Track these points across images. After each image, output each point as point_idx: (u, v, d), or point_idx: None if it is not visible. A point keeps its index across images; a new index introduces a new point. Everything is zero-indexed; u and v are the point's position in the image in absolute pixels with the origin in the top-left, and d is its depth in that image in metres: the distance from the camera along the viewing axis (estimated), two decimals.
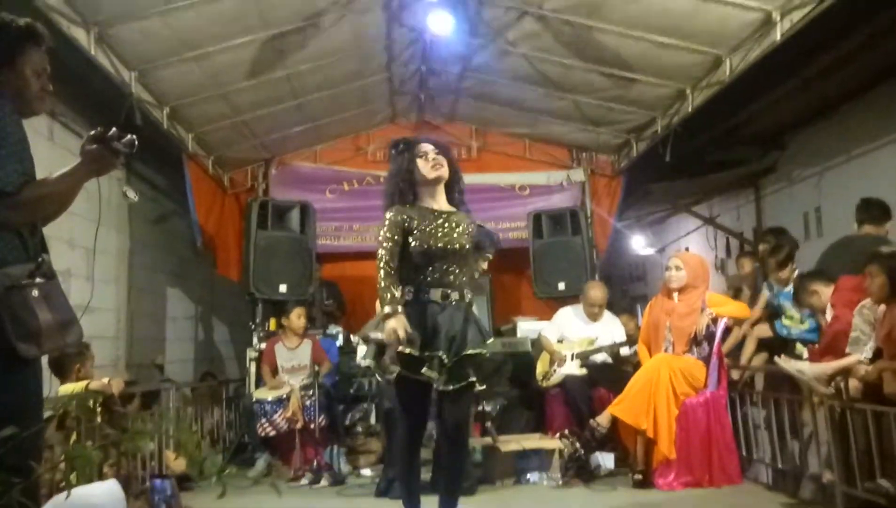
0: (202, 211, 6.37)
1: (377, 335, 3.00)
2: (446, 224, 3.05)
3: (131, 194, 5.87)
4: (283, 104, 5.97)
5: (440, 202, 3.13)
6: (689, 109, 5.54)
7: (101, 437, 2.90)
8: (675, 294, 4.48)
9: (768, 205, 7.83)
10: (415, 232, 3.00)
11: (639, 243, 9.82)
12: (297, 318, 5.57)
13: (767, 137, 7.19)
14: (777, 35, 4.25)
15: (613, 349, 5.27)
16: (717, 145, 7.12)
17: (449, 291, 3.01)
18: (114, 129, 2.11)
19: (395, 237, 3.01)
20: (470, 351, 2.94)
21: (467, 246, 3.07)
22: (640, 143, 6.74)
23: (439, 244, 3.00)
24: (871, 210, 4.48)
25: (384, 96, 6.76)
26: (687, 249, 8.65)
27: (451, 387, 2.91)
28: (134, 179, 6.44)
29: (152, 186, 6.87)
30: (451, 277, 3.03)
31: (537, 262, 6.50)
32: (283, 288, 6.03)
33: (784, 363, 3.53)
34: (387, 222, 3.06)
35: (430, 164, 3.07)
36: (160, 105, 5.34)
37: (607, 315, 5.51)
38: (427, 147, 3.12)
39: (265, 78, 5.35)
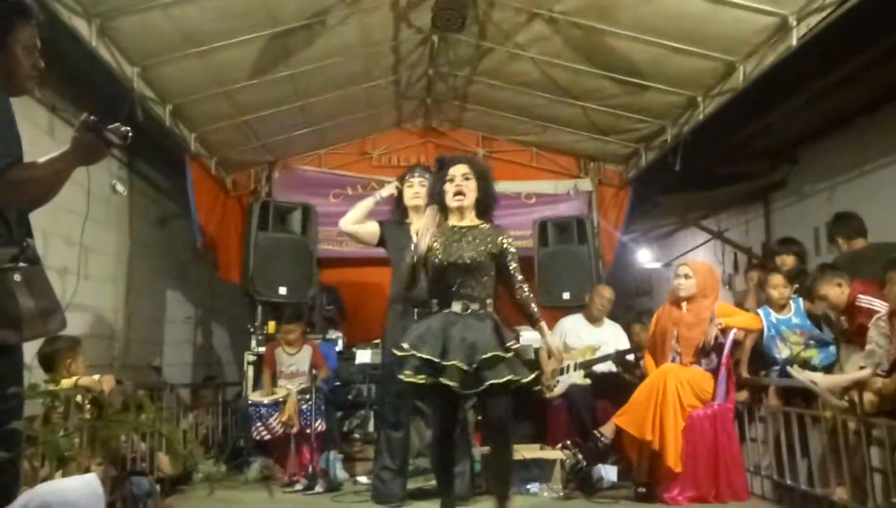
0: (203, 212, 6.28)
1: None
2: (464, 240, 3.34)
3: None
4: (288, 105, 5.90)
5: (467, 218, 3.44)
6: (701, 118, 5.44)
7: (79, 425, 2.80)
8: (684, 304, 4.37)
9: (778, 220, 7.72)
10: (437, 248, 3.33)
11: (645, 257, 9.71)
12: (289, 333, 5.48)
13: (779, 150, 7.09)
14: (793, 40, 4.16)
15: (619, 357, 5.15)
16: (726, 159, 7.04)
17: (468, 302, 3.29)
18: (118, 124, 2.06)
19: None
20: (487, 355, 3.14)
21: (481, 260, 3.30)
22: (648, 152, 6.65)
23: (457, 261, 3.29)
24: (850, 224, 4.54)
25: (390, 100, 6.69)
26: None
27: (470, 391, 3.17)
28: (136, 178, 6.38)
29: (154, 187, 6.80)
30: (471, 289, 3.30)
31: (542, 270, 6.39)
32: (282, 290, 5.93)
33: (797, 373, 3.41)
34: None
35: (452, 191, 3.39)
36: (163, 102, 5.27)
37: (609, 322, 5.41)
38: (455, 172, 3.43)
39: (269, 77, 5.28)
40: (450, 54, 5.75)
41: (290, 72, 5.33)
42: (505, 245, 3.37)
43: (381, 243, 4.36)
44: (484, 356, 3.15)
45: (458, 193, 3.37)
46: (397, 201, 4.39)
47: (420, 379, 3.18)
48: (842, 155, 6.40)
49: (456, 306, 3.28)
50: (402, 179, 4.48)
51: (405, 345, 3.27)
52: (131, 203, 6.28)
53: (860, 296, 3.80)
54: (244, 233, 6.25)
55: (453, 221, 3.42)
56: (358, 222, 4.33)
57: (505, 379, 3.14)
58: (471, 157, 3.98)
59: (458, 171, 3.43)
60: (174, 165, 6.22)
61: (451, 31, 4.97)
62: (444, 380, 3.12)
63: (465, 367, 3.13)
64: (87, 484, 1.83)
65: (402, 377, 3.25)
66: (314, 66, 5.33)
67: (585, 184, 7.32)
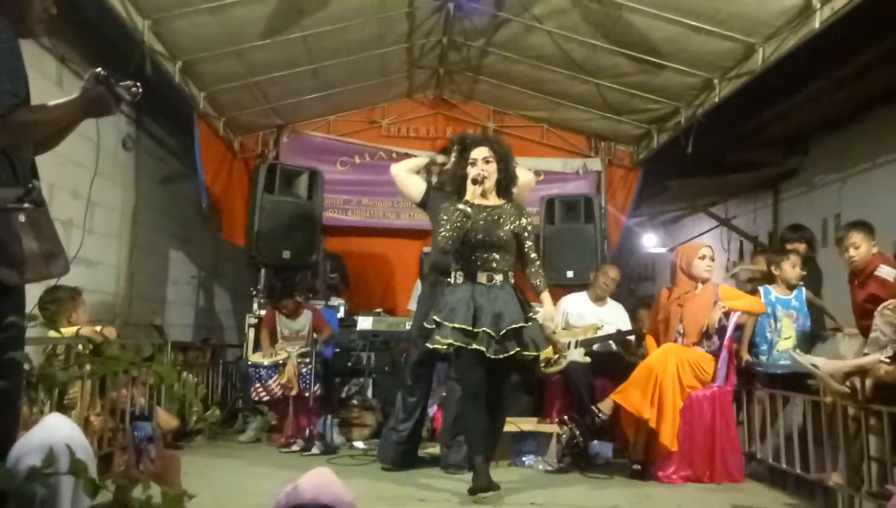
0: (210, 173, 6.25)
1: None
2: (490, 218, 3.58)
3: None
4: (299, 68, 5.83)
5: (489, 198, 3.66)
6: (716, 101, 5.38)
7: (79, 373, 2.79)
8: (699, 285, 4.34)
9: (786, 209, 7.68)
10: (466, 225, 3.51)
11: (650, 241, 9.68)
12: (283, 309, 5.45)
13: (791, 139, 7.04)
14: (816, 23, 4.09)
15: (620, 337, 5.14)
16: (738, 146, 6.98)
17: (493, 274, 3.54)
18: (129, 81, 2.05)
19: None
20: (513, 326, 3.43)
21: (505, 238, 3.57)
22: (661, 134, 6.59)
23: (479, 235, 3.53)
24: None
25: (402, 68, 6.61)
26: None
27: (500, 356, 3.42)
28: (143, 136, 6.35)
29: (161, 145, 6.77)
30: (495, 263, 3.56)
31: (547, 247, 6.35)
32: (286, 254, 5.91)
33: (799, 356, 3.39)
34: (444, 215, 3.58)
35: (474, 173, 3.56)
36: (173, 58, 5.21)
37: (612, 302, 5.40)
38: (477, 155, 3.61)
39: (282, 38, 5.21)
40: (465, 23, 5.68)
41: (303, 34, 5.26)
42: (525, 225, 3.66)
43: (423, 204, 4.35)
44: (512, 327, 3.43)
45: (480, 174, 3.56)
46: (462, 183, 3.82)
47: (449, 343, 3.43)
48: (854, 147, 6.34)
49: (482, 278, 3.54)
50: (460, 155, 3.96)
51: (437, 318, 3.49)
52: (137, 160, 6.25)
53: (882, 266, 3.80)
54: (250, 195, 6.22)
55: (476, 199, 3.58)
56: (411, 171, 4.39)
57: (532, 353, 3.60)
58: (492, 138, 4.13)
59: (480, 154, 3.61)
60: (182, 124, 6.17)
61: None
62: (475, 345, 3.40)
63: (493, 334, 3.41)
64: (60, 421, 1.80)
65: (431, 345, 3.53)
66: (327, 28, 5.25)
67: (595, 163, 7.27)
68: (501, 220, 3.60)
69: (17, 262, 1.89)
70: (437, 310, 3.55)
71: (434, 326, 3.51)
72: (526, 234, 3.66)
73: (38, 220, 1.96)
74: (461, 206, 3.51)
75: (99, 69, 2.00)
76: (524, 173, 3.99)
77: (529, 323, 3.51)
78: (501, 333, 3.41)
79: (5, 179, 1.93)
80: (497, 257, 3.57)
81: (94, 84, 1.98)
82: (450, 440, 4.16)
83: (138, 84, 2.07)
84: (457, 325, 3.42)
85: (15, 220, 1.90)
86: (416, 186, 4.33)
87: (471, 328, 3.41)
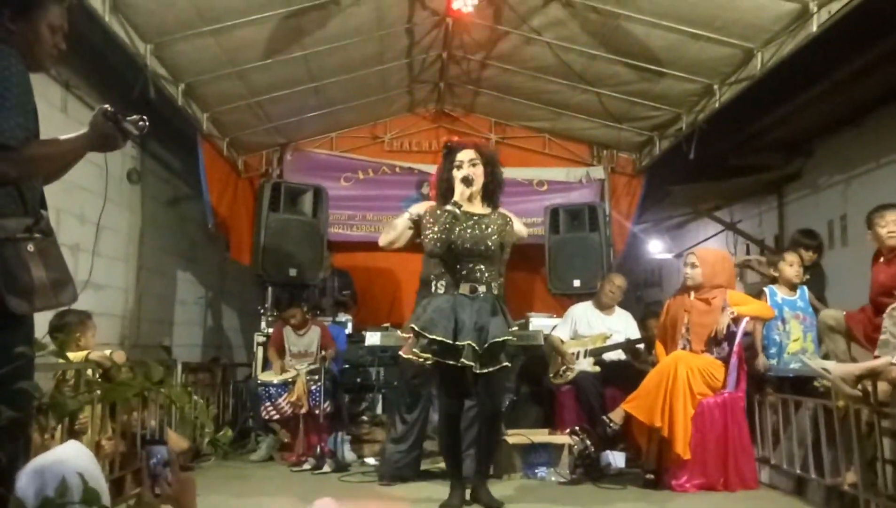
0: (215, 193, 6.29)
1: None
2: (476, 227, 3.44)
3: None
4: (300, 87, 5.87)
5: (475, 205, 3.52)
6: (717, 106, 5.39)
7: (89, 398, 2.80)
8: (692, 292, 4.34)
9: (791, 212, 7.65)
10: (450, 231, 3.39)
11: (656, 247, 9.66)
12: (291, 317, 5.48)
13: (794, 142, 7.02)
14: (814, 27, 4.10)
15: (629, 345, 5.13)
16: (741, 150, 6.97)
17: (477, 285, 3.41)
18: (136, 116, 2.12)
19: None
20: (498, 339, 3.33)
21: (493, 247, 3.43)
22: (663, 141, 6.60)
23: (467, 245, 3.39)
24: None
25: (403, 84, 6.66)
26: None
27: (485, 370, 3.30)
28: (147, 159, 6.39)
29: (166, 168, 6.81)
30: (479, 273, 3.42)
31: (553, 257, 6.36)
32: (292, 272, 5.93)
33: (810, 360, 3.38)
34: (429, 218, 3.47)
35: (459, 177, 3.44)
36: (175, 81, 5.26)
37: (620, 310, 5.39)
38: (463, 157, 3.50)
39: (282, 58, 5.25)
40: (464, 37, 5.71)
41: (303, 53, 5.31)
42: (509, 236, 3.54)
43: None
44: (495, 341, 3.32)
45: (465, 178, 3.44)
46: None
47: (426, 358, 3.29)
48: (858, 148, 6.32)
49: (464, 288, 3.41)
50: (445, 159, 4.21)
51: (415, 327, 3.34)
52: (143, 183, 6.28)
53: None
54: (255, 214, 6.24)
55: (465, 205, 3.47)
56: (396, 235, 4.01)
57: (500, 365, 3.39)
58: (478, 143, 3.97)
59: (466, 156, 3.51)
60: (186, 146, 6.21)
61: None
62: (453, 360, 3.26)
63: (477, 348, 3.27)
64: (75, 448, 1.82)
65: (405, 355, 3.41)
66: (328, 47, 5.30)
67: (598, 172, 7.28)
68: (490, 230, 3.47)
69: (27, 291, 1.92)
70: (416, 318, 3.40)
71: (412, 335, 3.38)
72: (508, 246, 3.56)
73: (46, 249, 2.00)
74: (449, 207, 3.39)
75: (106, 106, 2.07)
76: (521, 228, 3.80)
77: (512, 338, 3.45)
78: (485, 346, 3.30)
79: (14, 210, 1.97)
80: (482, 267, 3.44)
81: (103, 120, 2.03)
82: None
83: (144, 118, 2.13)
84: (437, 337, 3.28)
85: (24, 249, 1.93)
86: (407, 233, 4.03)
87: (451, 342, 3.27)
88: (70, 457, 1.69)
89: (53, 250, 2.04)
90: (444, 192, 3.53)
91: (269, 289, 6.15)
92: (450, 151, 3.58)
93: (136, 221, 6.26)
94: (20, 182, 1.99)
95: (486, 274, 3.44)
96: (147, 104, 4.60)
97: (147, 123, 2.12)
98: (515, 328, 3.53)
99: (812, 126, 6.53)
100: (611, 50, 5.24)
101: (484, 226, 3.47)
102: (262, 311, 6.09)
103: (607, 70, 5.56)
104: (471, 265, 3.42)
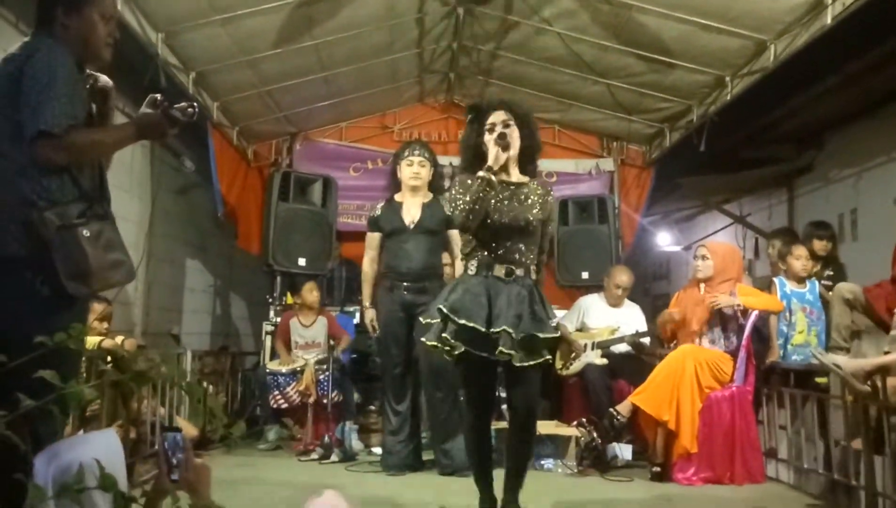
0: (225, 182, 6.29)
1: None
2: (514, 198, 2.93)
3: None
4: (311, 76, 5.87)
5: (511, 173, 2.99)
6: (728, 98, 5.36)
7: (100, 384, 2.83)
8: (702, 285, 4.33)
9: (801, 205, 7.60)
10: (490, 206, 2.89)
11: (664, 240, 9.63)
12: (308, 292, 5.51)
13: (805, 135, 6.97)
14: (828, 18, 4.07)
15: (636, 339, 5.13)
16: (752, 142, 6.93)
17: (514, 268, 2.90)
18: (185, 103, 2.19)
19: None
20: (540, 334, 2.83)
21: (534, 222, 2.93)
22: (673, 133, 6.56)
23: (504, 219, 2.88)
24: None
25: (413, 74, 6.64)
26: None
27: (526, 363, 2.79)
28: (157, 147, 6.40)
29: (176, 156, 6.82)
30: (518, 253, 2.92)
31: (561, 249, 6.35)
32: (301, 261, 5.95)
33: (820, 355, 3.37)
34: (459, 187, 2.94)
35: (493, 140, 2.88)
36: (186, 70, 5.26)
37: (629, 303, 5.38)
38: (496, 118, 2.95)
39: (293, 47, 5.25)
40: (475, 28, 5.69)
41: (314, 42, 5.30)
42: (551, 208, 3.09)
43: (379, 228, 4.54)
44: (537, 335, 2.84)
45: (499, 140, 2.87)
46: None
47: (454, 346, 2.81)
48: (870, 141, 6.27)
49: (499, 271, 2.90)
50: (398, 156, 4.53)
51: (443, 308, 2.85)
52: (153, 171, 6.30)
53: None
54: (264, 203, 6.26)
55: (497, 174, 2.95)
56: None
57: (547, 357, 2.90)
58: (510, 100, 3.22)
59: (498, 118, 2.95)
60: (196, 135, 6.22)
61: (477, 3, 4.90)
62: (486, 353, 2.79)
63: (515, 335, 2.77)
64: (106, 439, 1.85)
65: (430, 342, 2.90)
66: (338, 37, 5.29)
67: (607, 164, 7.25)
68: (530, 201, 2.94)
69: (84, 275, 1.99)
70: (443, 299, 2.90)
71: (438, 320, 2.88)
72: (550, 221, 3.10)
73: (102, 232, 2.06)
74: (482, 173, 2.85)
75: (158, 95, 2.10)
76: None
77: (556, 333, 2.94)
78: (524, 337, 2.79)
79: (69, 196, 2.04)
80: (521, 246, 2.92)
81: (151, 108, 2.12)
82: (443, 446, 4.19)
83: (194, 105, 2.17)
84: (468, 324, 2.78)
85: (80, 234, 2.00)
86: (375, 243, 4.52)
87: (483, 330, 2.77)
88: (88, 443, 1.71)
89: (110, 232, 2.10)
90: (471, 161, 3.00)
91: (278, 278, 6.17)
92: (478, 113, 3.03)
93: (146, 209, 6.28)
94: (72, 168, 2.06)
95: (526, 255, 2.94)
96: (157, 92, 4.60)
97: (196, 110, 2.17)
98: (554, 321, 3.00)
99: (824, 119, 6.48)
100: (622, 41, 5.21)
101: (523, 197, 2.94)
102: (270, 300, 6.12)
103: (618, 61, 5.53)
104: (508, 244, 2.91)
